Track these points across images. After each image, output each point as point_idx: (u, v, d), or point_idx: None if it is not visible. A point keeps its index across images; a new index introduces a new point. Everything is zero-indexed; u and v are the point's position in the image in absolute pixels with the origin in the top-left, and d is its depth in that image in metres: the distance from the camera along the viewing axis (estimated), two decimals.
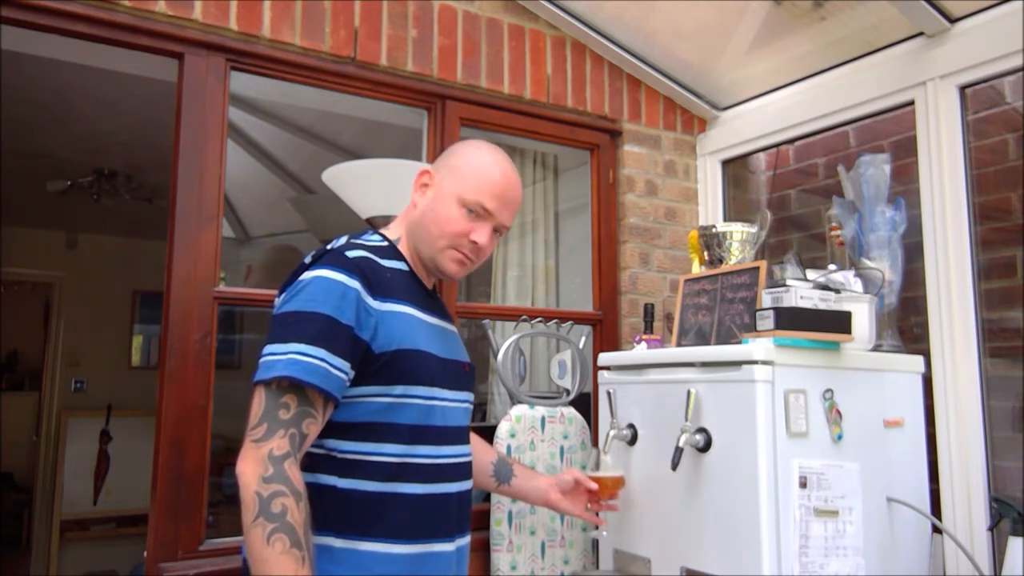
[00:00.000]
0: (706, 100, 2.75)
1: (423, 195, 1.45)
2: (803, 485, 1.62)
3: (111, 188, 4.50)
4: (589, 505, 1.80)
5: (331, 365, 1.24)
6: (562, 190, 3.02)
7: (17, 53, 2.07)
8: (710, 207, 2.77)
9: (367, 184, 1.97)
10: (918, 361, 1.93)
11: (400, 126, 2.67)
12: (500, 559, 2.06)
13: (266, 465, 1.17)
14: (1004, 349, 2.00)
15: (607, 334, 2.57)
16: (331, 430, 1.30)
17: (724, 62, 2.56)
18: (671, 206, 2.74)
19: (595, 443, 2.24)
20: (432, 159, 2.32)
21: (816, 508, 1.62)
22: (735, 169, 2.81)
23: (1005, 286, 2.04)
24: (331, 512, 1.28)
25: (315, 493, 1.25)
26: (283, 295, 1.34)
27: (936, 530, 1.88)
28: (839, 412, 1.71)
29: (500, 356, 2.21)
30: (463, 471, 1.45)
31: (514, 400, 2.19)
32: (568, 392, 2.29)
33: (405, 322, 1.35)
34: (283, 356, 1.22)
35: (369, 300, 1.30)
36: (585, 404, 2.39)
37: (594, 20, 2.51)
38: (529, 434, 2.14)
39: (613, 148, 2.67)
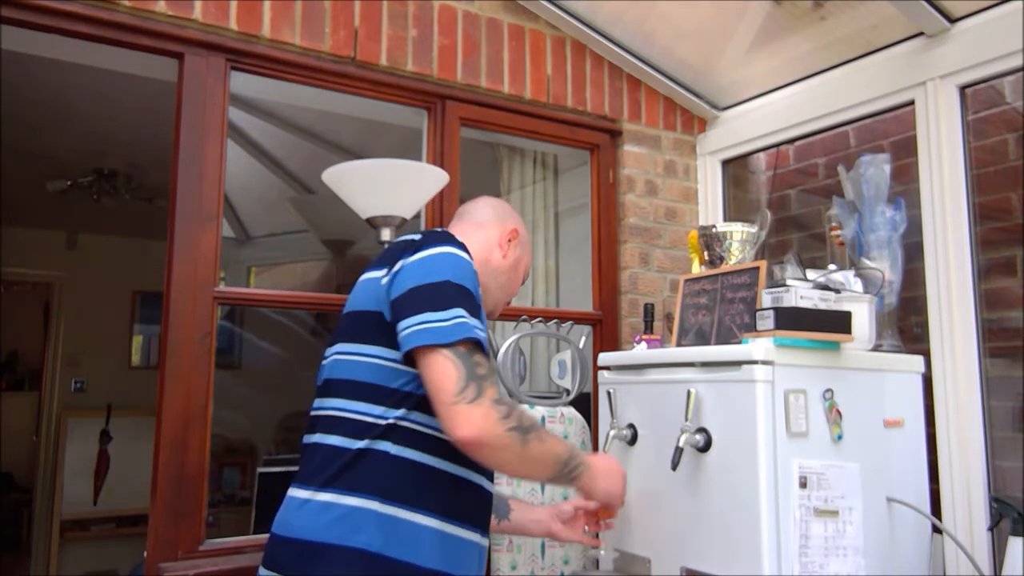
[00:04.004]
0: (706, 100, 2.75)
1: (509, 249, 1.61)
2: (803, 485, 1.61)
3: (111, 188, 4.49)
4: (587, 527, 1.78)
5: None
6: (562, 190, 3.02)
7: (17, 53, 2.07)
8: (710, 207, 2.77)
9: (367, 184, 1.97)
10: (918, 361, 1.93)
11: (400, 126, 2.67)
12: (500, 559, 2.06)
13: (496, 408, 1.25)
14: (1004, 349, 2.00)
15: (607, 334, 2.57)
16: (403, 401, 1.33)
17: (724, 62, 2.56)
18: (671, 206, 2.74)
19: (595, 447, 2.24)
20: (432, 159, 2.32)
21: (816, 508, 1.62)
22: (735, 169, 2.81)
23: (1005, 286, 2.04)
24: (379, 476, 1.30)
25: (366, 457, 1.30)
26: (403, 269, 1.33)
27: (936, 530, 1.88)
28: (839, 412, 1.71)
29: (500, 356, 2.21)
30: (493, 473, 1.49)
31: (514, 400, 2.19)
32: (568, 392, 2.29)
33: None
34: (451, 321, 1.27)
35: None
36: (585, 404, 2.39)
37: (594, 20, 2.51)
38: None
39: (613, 148, 2.67)
